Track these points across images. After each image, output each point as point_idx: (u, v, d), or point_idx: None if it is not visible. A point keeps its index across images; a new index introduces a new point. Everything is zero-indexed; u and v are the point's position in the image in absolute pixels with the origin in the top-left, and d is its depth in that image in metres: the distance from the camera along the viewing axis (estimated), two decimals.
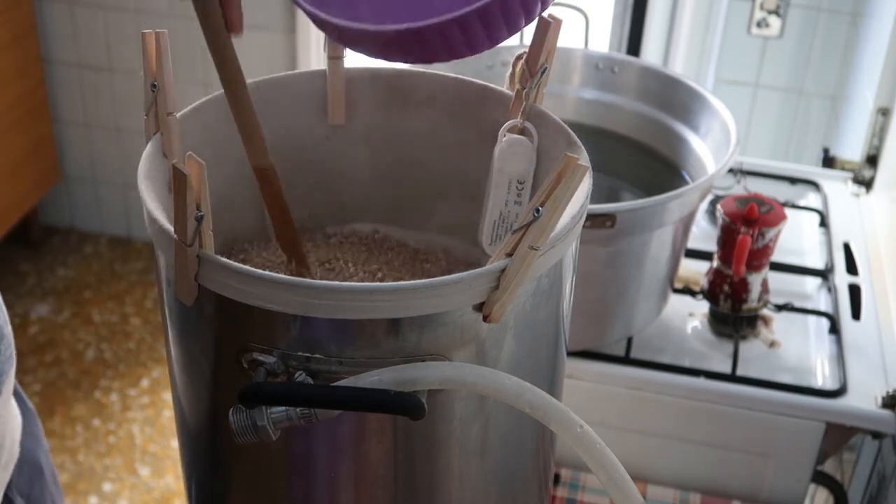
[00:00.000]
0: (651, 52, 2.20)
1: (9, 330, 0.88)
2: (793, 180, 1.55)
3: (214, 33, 0.70)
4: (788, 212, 1.21)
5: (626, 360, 1.17)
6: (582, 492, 1.15)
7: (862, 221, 1.46)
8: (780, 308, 1.24)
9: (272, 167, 0.74)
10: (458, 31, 0.60)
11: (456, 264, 0.82)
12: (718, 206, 1.18)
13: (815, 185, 1.54)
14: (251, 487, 0.69)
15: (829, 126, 2.09)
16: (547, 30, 0.72)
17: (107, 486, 2.03)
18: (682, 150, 1.24)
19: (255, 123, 0.73)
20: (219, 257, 0.58)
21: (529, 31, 0.73)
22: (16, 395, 0.99)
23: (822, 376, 1.18)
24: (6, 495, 0.92)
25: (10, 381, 0.89)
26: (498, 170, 0.75)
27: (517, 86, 0.75)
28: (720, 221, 1.17)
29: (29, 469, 0.98)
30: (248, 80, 0.77)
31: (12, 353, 0.89)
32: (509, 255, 0.59)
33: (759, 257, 1.16)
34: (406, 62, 0.67)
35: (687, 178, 1.21)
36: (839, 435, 1.15)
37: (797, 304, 1.26)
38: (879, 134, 1.54)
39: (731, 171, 1.44)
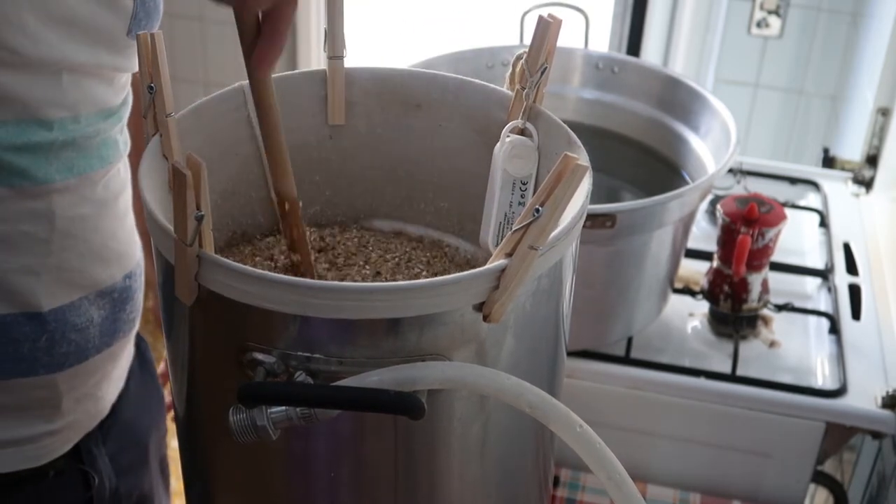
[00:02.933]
0: (651, 52, 2.20)
1: (140, 296, 0.95)
2: (793, 180, 1.55)
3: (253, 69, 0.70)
4: (788, 212, 1.21)
5: (626, 360, 1.17)
6: (582, 492, 1.15)
7: (862, 221, 1.46)
8: (780, 308, 1.24)
9: (295, 199, 0.75)
10: None
11: (462, 263, 0.82)
12: (718, 206, 1.18)
13: (815, 185, 1.54)
14: (251, 487, 0.69)
15: (829, 126, 2.09)
16: (547, 30, 0.71)
17: None
18: (682, 150, 1.24)
19: (286, 159, 0.74)
20: (219, 257, 0.58)
21: (529, 30, 0.72)
22: (146, 374, 1.05)
23: (822, 376, 1.18)
24: (87, 444, 0.94)
25: (126, 342, 0.94)
26: (502, 171, 0.75)
27: (517, 86, 0.75)
28: (720, 221, 1.17)
29: (131, 442, 1.02)
30: (247, 81, 0.77)
31: (136, 318, 0.95)
32: (509, 255, 0.59)
33: (759, 257, 1.16)
34: None
35: (687, 178, 1.21)
36: (839, 435, 1.15)
37: (797, 304, 1.26)
38: (879, 134, 1.54)
39: (731, 171, 1.44)
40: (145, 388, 1.04)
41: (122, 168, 0.89)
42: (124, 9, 0.81)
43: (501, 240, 0.77)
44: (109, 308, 0.89)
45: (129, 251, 0.92)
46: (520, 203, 0.76)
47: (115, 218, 0.89)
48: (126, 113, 0.88)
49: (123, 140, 0.88)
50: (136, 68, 0.85)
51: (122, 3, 0.80)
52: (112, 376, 0.94)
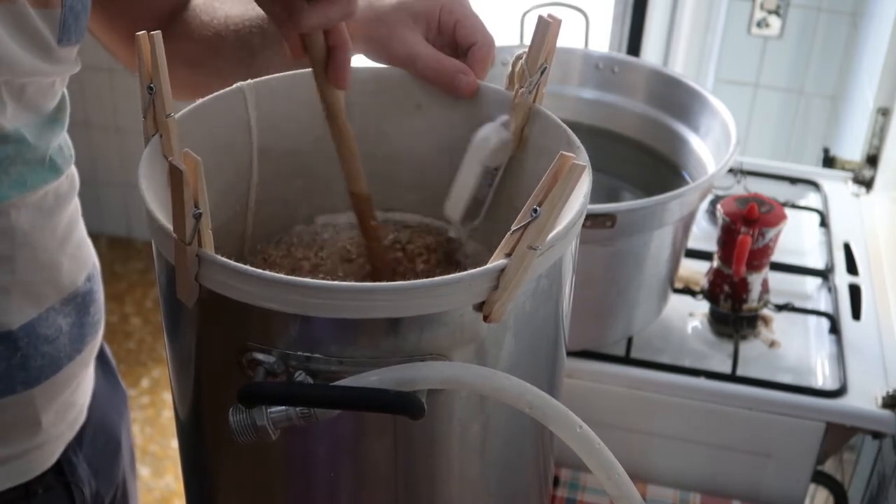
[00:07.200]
0: (651, 52, 2.20)
1: (101, 297, 0.95)
2: (793, 180, 1.55)
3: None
4: (788, 212, 1.21)
5: (626, 360, 1.17)
6: (582, 492, 1.15)
7: (862, 221, 1.46)
8: (780, 308, 1.24)
9: (367, 195, 0.79)
10: None
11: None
12: (718, 206, 1.18)
13: (815, 185, 1.54)
14: (251, 487, 0.69)
15: (829, 126, 2.10)
16: (547, 30, 0.72)
17: None
18: (682, 150, 1.24)
19: (355, 153, 0.77)
20: (218, 256, 0.58)
21: (529, 30, 0.72)
22: (107, 368, 1.04)
23: (822, 376, 1.18)
24: (67, 455, 0.93)
25: (95, 345, 0.94)
26: (476, 159, 0.77)
27: (517, 86, 0.75)
28: (720, 221, 1.17)
29: (104, 441, 1.01)
30: (246, 81, 0.77)
31: (100, 319, 0.94)
32: (508, 255, 0.59)
33: (759, 257, 1.16)
34: None
35: (687, 178, 1.21)
36: (839, 435, 1.15)
37: (797, 304, 1.26)
38: (879, 134, 1.54)
39: (731, 171, 1.44)
40: (107, 381, 1.03)
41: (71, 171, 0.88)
42: (53, 15, 0.79)
43: (469, 215, 0.79)
44: (75, 314, 0.89)
45: (85, 253, 0.92)
46: (489, 185, 0.78)
47: (71, 221, 0.89)
48: (65, 117, 0.86)
49: (68, 146, 0.87)
50: (69, 72, 0.84)
51: (52, 7, 0.78)
52: (85, 381, 0.94)
